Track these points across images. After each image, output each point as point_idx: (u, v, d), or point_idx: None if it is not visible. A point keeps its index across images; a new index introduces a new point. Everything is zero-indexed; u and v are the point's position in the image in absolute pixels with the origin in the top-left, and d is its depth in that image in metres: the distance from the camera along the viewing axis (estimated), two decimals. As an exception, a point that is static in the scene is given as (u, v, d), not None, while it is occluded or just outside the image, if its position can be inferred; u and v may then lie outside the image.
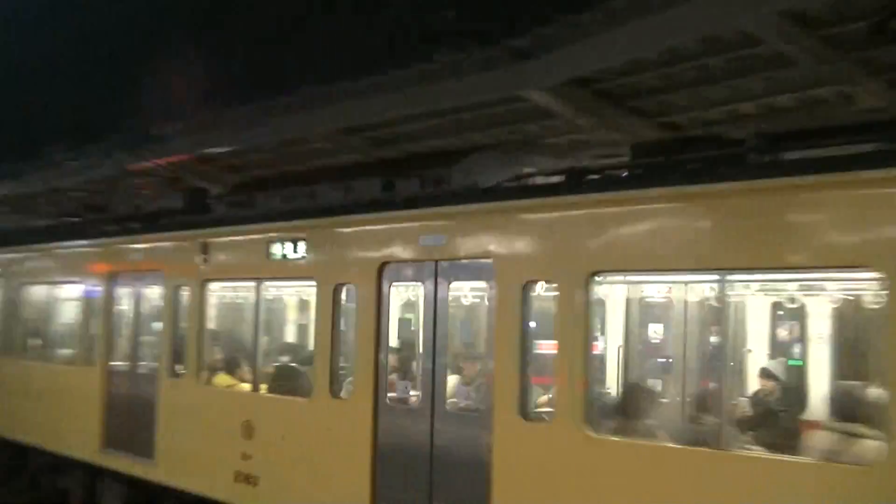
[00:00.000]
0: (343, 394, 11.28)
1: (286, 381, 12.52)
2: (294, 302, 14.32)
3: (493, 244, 9.51)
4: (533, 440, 8.99)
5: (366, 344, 10.83)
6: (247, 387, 13.25)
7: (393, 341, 11.09)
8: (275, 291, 13.85)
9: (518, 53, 12.97)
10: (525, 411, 9.11)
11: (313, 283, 11.91)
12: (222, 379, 13.47)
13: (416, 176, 11.28)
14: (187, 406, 13.61)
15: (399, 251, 10.66)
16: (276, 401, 12.26)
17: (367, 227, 11.07)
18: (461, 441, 9.67)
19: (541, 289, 9.21)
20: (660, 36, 11.67)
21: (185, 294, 13.97)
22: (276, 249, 12.28)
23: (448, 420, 9.90)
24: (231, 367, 13.56)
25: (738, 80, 12.62)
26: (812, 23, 11.18)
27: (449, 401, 10.11)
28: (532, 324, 9.22)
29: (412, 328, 11.38)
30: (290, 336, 14.81)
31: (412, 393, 10.57)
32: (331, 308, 11.36)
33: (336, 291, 11.33)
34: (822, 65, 11.66)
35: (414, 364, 10.89)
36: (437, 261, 10.13)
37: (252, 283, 12.95)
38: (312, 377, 11.88)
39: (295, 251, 12.02)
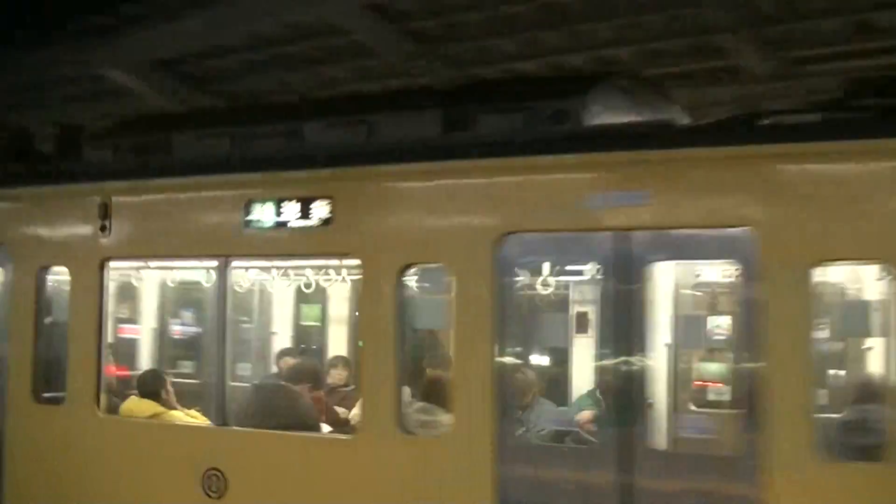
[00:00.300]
0: (416, 427, 7.60)
1: (276, 411, 8.40)
2: (289, 291, 10.01)
3: (757, 206, 6.43)
4: (854, 493, 6.10)
5: (469, 352, 7.24)
6: (178, 415, 9.03)
7: (518, 345, 7.56)
8: (252, 276, 9.56)
9: (99, 31, 13.00)
10: (824, 446, 6.19)
11: (350, 263, 8.09)
12: (138, 406, 9.02)
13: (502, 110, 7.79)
14: (75, 448, 9.00)
15: (538, 216, 7.16)
16: (273, 439, 8.11)
17: (468, 181, 7.45)
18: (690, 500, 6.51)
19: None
20: (242, 21, 12.03)
21: (61, 280, 9.31)
22: (263, 214, 8.19)
23: (663, 465, 6.65)
24: (151, 388, 9.15)
25: (320, 68, 13.58)
26: (396, 16, 12.19)
27: (660, 433, 6.91)
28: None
29: (566, 327, 7.90)
30: (282, 342, 10.45)
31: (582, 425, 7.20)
32: (392, 300, 7.58)
33: (400, 277, 7.58)
34: (403, 56, 12.72)
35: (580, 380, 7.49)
36: (626, 230, 6.83)
37: (210, 264, 8.68)
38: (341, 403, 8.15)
39: (305, 216, 8.02)
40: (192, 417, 9.05)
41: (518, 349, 7.43)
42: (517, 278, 7.35)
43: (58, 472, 9.07)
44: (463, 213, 7.42)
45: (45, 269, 9.36)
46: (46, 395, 9.24)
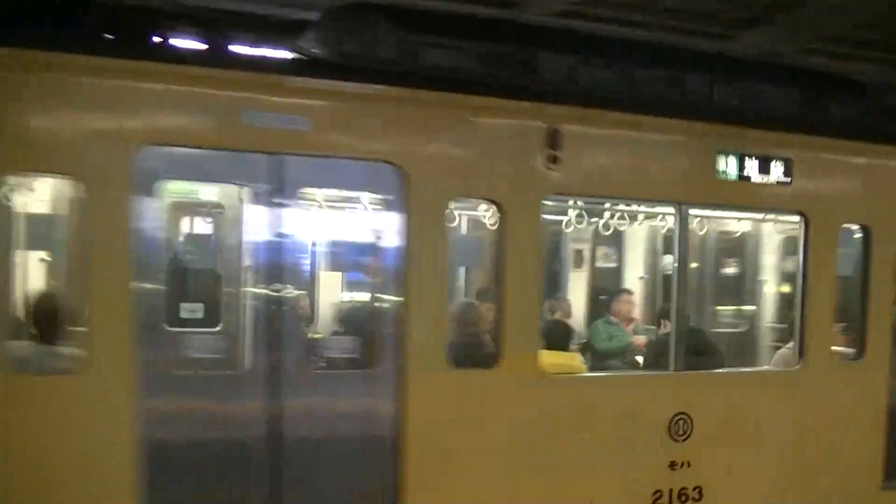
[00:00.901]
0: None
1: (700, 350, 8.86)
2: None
3: None
4: None
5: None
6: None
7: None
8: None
9: None
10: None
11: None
12: (571, 360, 8.15)
13: None
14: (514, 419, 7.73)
15: None
16: (727, 379, 8.79)
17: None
18: None
19: None
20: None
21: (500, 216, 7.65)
22: (729, 166, 8.53)
23: None
24: (563, 338, 8.29)
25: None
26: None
27: None
28: None
29: None
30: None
31: None
32: (832, 253, 9.04)
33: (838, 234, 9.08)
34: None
35: None
36: None
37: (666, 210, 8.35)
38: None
39: (764, 172, 8.70)
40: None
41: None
42: None
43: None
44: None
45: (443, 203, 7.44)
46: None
